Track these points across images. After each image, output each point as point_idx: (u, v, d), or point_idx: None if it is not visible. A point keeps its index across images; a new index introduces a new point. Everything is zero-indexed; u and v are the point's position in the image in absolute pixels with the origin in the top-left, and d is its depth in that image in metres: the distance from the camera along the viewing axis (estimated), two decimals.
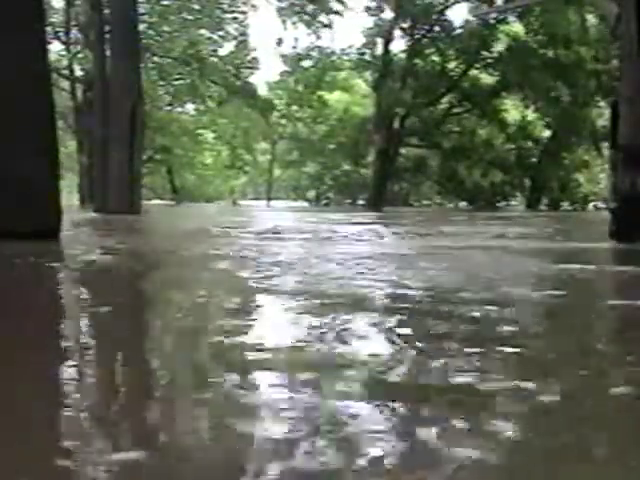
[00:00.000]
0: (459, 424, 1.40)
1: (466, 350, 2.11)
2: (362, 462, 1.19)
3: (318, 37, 32.64)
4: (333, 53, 35.35)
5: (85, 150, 26.23)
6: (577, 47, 30.44)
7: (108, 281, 4.30)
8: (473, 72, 33.41)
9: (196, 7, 31.42)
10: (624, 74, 7.94)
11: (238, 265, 4.97)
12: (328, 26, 31.36)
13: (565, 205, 36.77)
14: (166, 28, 31.35)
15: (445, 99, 33.99)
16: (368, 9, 31.33)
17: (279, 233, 9.36)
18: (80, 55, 28.31)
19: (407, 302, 3.09)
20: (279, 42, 35.07)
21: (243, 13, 32.56)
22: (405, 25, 31.49)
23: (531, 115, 34.94)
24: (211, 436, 1.40)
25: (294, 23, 31.46)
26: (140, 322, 2.99)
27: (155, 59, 31.61)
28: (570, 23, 29.92)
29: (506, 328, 2.50)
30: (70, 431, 1.39)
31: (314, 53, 35.20)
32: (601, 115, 31.53)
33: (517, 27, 32.32)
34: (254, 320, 2.82)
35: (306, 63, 35.87)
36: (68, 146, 28.54)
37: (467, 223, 14.48)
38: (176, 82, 33.89)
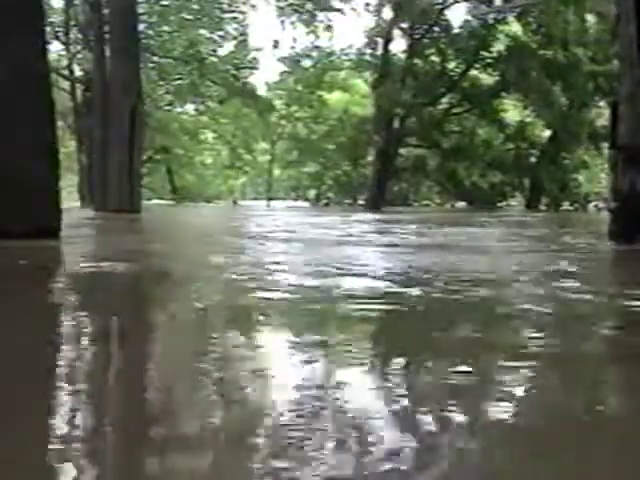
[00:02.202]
0: None
1: None
2: None
3: (317, 37, 32.63)
4: (333, 53, 35.35)
5: (85, 150, 26.20)
6: (575, 49, 30.42)
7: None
8: (473, 72, 33.39)
9: (195, 7, 31.40)
10: (623, 74, 7.93)
11: None
12: (329, 27, 31.38)
13: (565, 205, 36.73)
14: (166, 28, 31.33)
15: (445, 99, 33.96)
16: (367, 5, 31.32)
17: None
18: (80, 55, 28.29)
19: None
20: (275, 44, 35.10)
21: (242, 13, 32.56)
22: (405, 25, 31.48)
23: (530, 116, 34.91)
24: None
25: (293, 23, 31.46)
26: None
27: (155, 59, 31.58)
28: (568, 24, 29.91)
29: None
30: None
31: (313, 53, 35.21)
32: (600, 115, 31.51)
33: (516, 27, 32.32)
34: None
35: (306, 63, 35.87)
36: (68, 146, 28.52)
37: (514, 224, 14.38)
38: (176, 82, 33.87)
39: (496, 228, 12.13)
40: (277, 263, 5.28)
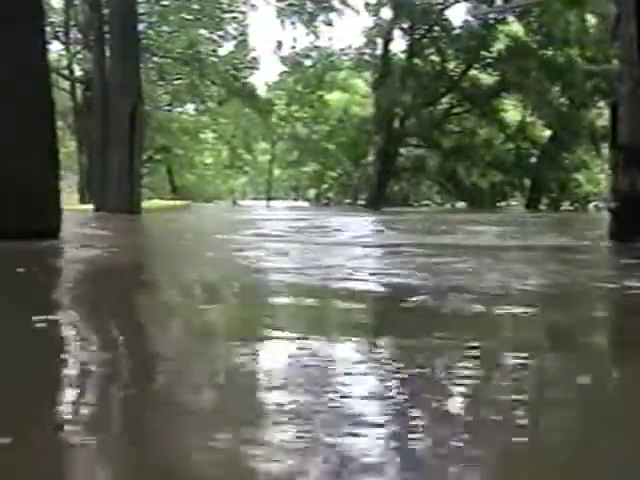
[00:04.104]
0: None
1: None
2: None
3: (317, 37, 32.64)
4: (333, 53, 35.35)
5: (85, 150, 26.20)
6: (575, 49, 30.44)
7: None
8: (473, 72, 33.40)
9: (195, 7, 31.38)
10: (623, 74, 7.93)
11: None
12: (329, 24, 31.36)
13: (565, 205, 36.74)
14: (166, 28, 31.31)
15: (445, 99, 33.98)
16: (367, 5, 31.33)
17: None
18: (80, 55, 28.28)
19: None
20: (279, 46, 35.04)
21: (242, 13, 32.55)
22: (405, 25, 31.49)
23: (530, 115, 34.93)
24: None
25: (293, 23, 31.47)
26: None
27: (155, 59, 31.57)
28: (569, 24, 29.92)
29: None
30: None
31: (313, 53, 35.21)
32: (600, 115, 31.53)
33: (516, 27, 32.33)
34: None
35: (306, 63, 35.87)
36: (68, 146, 28.50)
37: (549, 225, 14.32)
38: (176, 82, 33.86)
39: (536, 227, 12.11)
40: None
